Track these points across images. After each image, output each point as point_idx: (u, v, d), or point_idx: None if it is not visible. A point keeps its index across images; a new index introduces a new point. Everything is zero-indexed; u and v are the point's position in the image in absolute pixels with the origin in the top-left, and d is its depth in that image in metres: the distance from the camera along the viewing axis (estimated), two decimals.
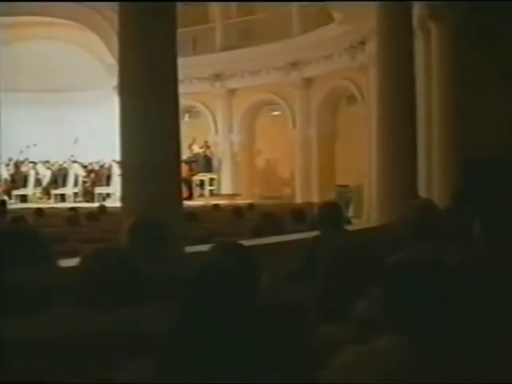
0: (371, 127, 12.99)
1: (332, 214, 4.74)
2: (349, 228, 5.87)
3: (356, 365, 1.82)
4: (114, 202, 16.76)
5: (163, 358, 1.80)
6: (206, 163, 20.24)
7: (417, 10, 10.59)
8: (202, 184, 19.99)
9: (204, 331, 1.75)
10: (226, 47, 19.99)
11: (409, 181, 8.36)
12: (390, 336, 1.86)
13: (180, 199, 5.56)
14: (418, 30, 11.03)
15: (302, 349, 2.29)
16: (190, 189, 18.67)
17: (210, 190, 19.98)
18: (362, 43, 15.59)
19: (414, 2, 9.70)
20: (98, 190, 19.80)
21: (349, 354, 1.87)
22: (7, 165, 21.16)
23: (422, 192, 9.55)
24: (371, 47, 12.78)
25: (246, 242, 3.46)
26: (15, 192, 20.10)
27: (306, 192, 18.47)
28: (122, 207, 5.62)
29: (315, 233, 4.89)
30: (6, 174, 20.76)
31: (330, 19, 16.62)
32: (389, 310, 1.92)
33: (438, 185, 11.00)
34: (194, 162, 19.77)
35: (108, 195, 19.56)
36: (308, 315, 2.66)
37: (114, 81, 19.26)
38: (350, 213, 14.13)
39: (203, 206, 13.94)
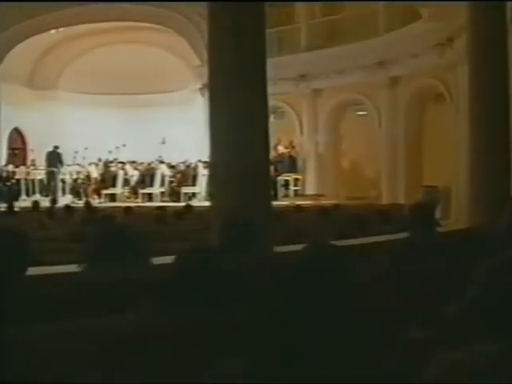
0: (460, 127, 12.68)
1: (423, 215, 4.67)
2: (439, 230, 5.74)
3: (451, 370, 1.78)
4: (200, 202, 17.04)
5: (251, 357, 1.81)
6: (291, 163, 20.26)
7: (510, 3, 10.24)
8: (286, 184, 20.03)
9: (294, 330, 1.74)
10: (312, 47, 19.92)
11: (501, 182, 8.11)
12: (485, 340, 1.81)
13: (269, 199, 5.57)
14: (510, 25, 10.67)
15: (390, 349, 2.25)
16: (274, 189, 18.72)
17: (295, 191, 19.98)
18: (451, 40, 15.20)
19: None
20: (184, 189, 20.11)
21: (443, 358, 1.83)
22: (97, 165, 21.80)
23: None
24: (460, 44, 12.46)
25: (334, 243, 3.44)
26: (104, 191, 20.67)
27: (392, 193, 18.21)
28: (210, 207, 5.68)
29: (403, 234, 4.82)
30: (96, 174, 21.40)
31: (416, 16, 16.33)
32: (484, 314, 1.87)
33: None
34: (279, 162, 19.82)
35: (194, 195, 19.86)
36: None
37: (199, 82, 19.66)
38: (438, 214, 13.85)
39: (288, 207, 13.94)
